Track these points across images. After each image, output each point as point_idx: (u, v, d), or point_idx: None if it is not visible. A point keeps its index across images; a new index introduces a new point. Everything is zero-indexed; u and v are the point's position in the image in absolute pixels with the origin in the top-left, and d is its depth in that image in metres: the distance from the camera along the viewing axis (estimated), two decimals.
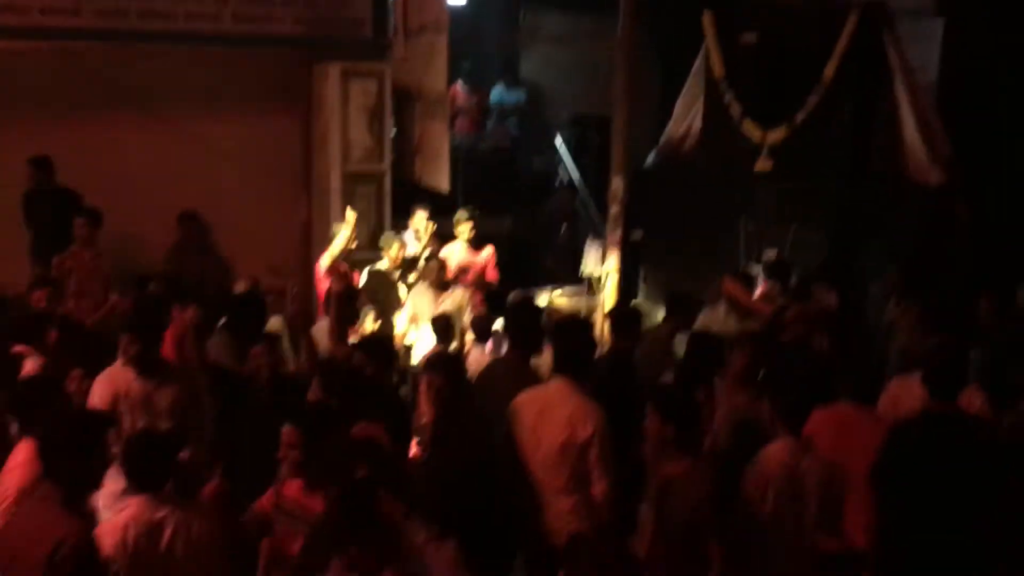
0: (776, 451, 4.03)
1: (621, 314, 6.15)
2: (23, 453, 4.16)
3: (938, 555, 3.96)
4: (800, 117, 7.89)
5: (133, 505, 3.78)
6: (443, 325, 6.66)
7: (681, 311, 6.30)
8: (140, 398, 4.93)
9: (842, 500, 3.99)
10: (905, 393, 4.81)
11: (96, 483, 3.63)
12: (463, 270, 8.45)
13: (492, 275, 8.65)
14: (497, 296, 8.05)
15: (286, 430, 4.00)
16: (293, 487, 3.99)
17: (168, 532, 3.73)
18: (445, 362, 4.67)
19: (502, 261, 8.86)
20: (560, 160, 11.25)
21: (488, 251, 8.64)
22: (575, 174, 10.95)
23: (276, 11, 8.52)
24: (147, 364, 4.95)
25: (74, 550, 3.27)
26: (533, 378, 4.79)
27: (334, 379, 4.68)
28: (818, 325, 5.86)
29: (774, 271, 7.37)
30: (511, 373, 4.69)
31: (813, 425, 4.11)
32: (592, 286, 9.12)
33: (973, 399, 4.67)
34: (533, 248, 10.37)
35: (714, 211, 8.49)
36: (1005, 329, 5.77)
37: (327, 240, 8.73)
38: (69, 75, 8.30)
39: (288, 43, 8.64)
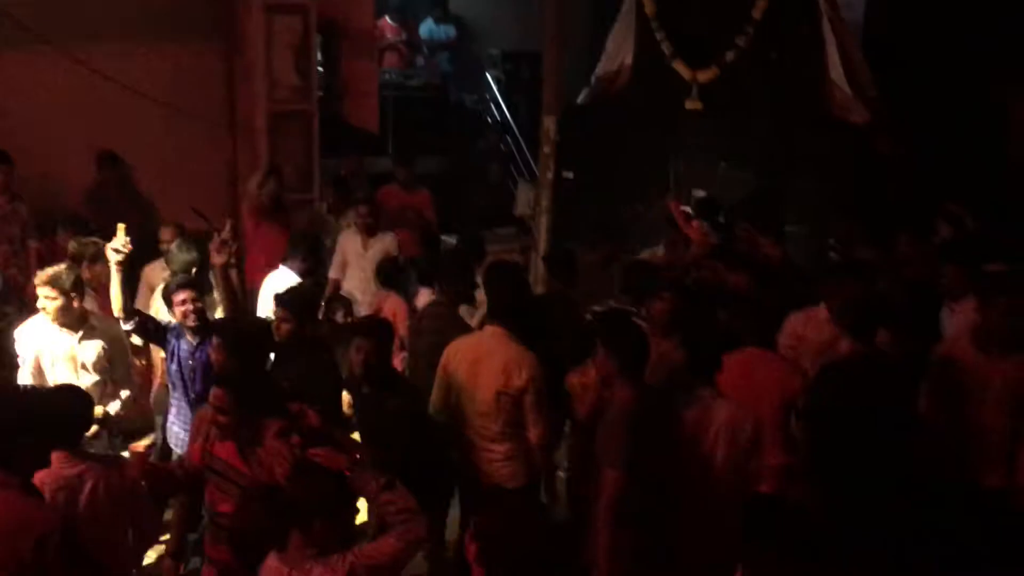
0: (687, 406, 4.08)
1: (556, 257, 6.15)
2: None
3: (866, 489, 4.12)
4: (729, 56, 7.91)
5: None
6: (389, 271, 6.50)
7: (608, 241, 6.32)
8: (63, 353, 4.84)
9: (753, 444, 4.04)
10: (809, 329, 4.95)
11: (46, 462, 3.53)
12: (400, 211, 8.38)
13: (430, 215, 8.59)
14: (434, 238, 8.03)
15: (215, 392, 3.86)
16: (224, 448, 3.89)
17: (87, 487, 3.68)
18: (373, 327, 4.58)
19: (435, 202, 8.81)
20: (492, 97, 11.16)
21: (424, 193, 8.56)
22: (506, 112, 10.88)
23: None
24: (68, 318, 4.83)
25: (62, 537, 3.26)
26: (463, 326, 4.81)
27: (237, 339, 4.40)
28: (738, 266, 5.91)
29: (703, 209, 7.44)
30: (440, 320, 4.68)
31: (723, 372, 4.17)
32: (525, 226, 9.15)
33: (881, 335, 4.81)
34: (464, 188, 10.31)
35: (645, 149, 8.51)
36: (917, 265, 5.92)
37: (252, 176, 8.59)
38: None
39: None
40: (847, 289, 4.81)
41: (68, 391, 3.96)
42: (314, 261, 6.19)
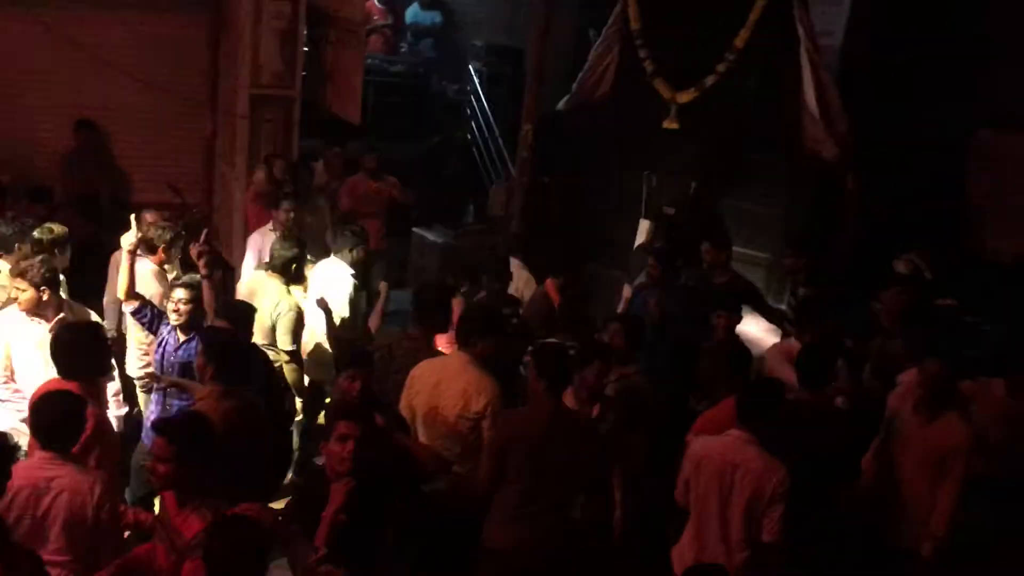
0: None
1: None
2: None
3: None
4: (709, 81, 8.07)
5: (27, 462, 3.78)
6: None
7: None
8: (33, 342, 4.91)
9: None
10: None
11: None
12: (366, 200, 8.48)
13: (404, 197, 8.67)
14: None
15: (156, 441, 3.68)
16: (168, 498, 3.73)
17: (52, 495, 3.69)
18: (368, 357, 4.71)
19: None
20: (472, 89, 11.23)
21: (391, 180, 8.65)
22: (486, 106, 10.96)
23: None
24: (41, 308, 4.92)
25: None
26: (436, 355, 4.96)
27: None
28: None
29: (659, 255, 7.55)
30: (413, 356, 4.83)
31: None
32: (495, 226, 9.29)
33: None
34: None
35: (620, 162, 8.67)
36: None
37: (230, 162, 8.64)
38: None
39: None
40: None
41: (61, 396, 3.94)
42: (365, 251, 6.37)
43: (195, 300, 5.21)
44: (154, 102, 8.80)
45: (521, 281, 6.68)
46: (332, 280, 6.17)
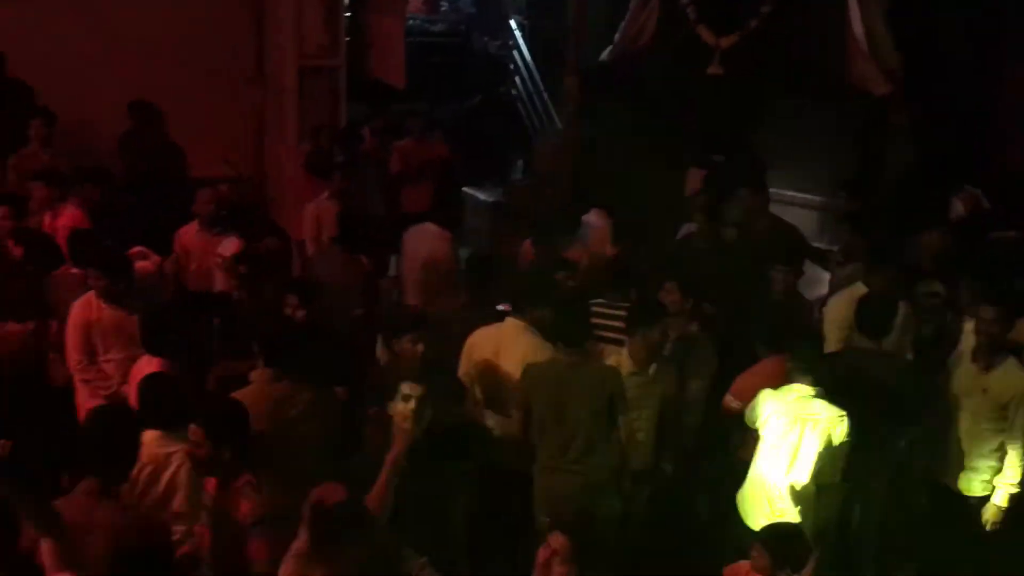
0: None
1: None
2: None
3: None
4: (753, 23, 7.96)
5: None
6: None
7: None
8: (111, 327, 5.15)
9: None
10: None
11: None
12: (415, 164, 8.57)
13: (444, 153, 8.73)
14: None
15: (190, 428, 3.81)
16: (211, 483, 3.90)
17: (171, 469, 3.96)
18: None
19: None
20: (515, 44, 11.19)
21: (438, 144, 8.71)
22: (528, 60, 10.93)
23: None
24: (115, 296, 5.13)
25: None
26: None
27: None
28: None
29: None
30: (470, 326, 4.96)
31: None
32: (544, 181, 9.31)
33: None
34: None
35: (666, 111, 8.62)
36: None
37: (280, 132, 8.79)
38: None
39: None
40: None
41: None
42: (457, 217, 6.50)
43: None
44: (204, 79, 8.92)
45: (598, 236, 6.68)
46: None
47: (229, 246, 6.11)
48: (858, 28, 7.76)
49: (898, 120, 7.85)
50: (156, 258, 6.18)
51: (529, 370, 4.50)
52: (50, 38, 8.45)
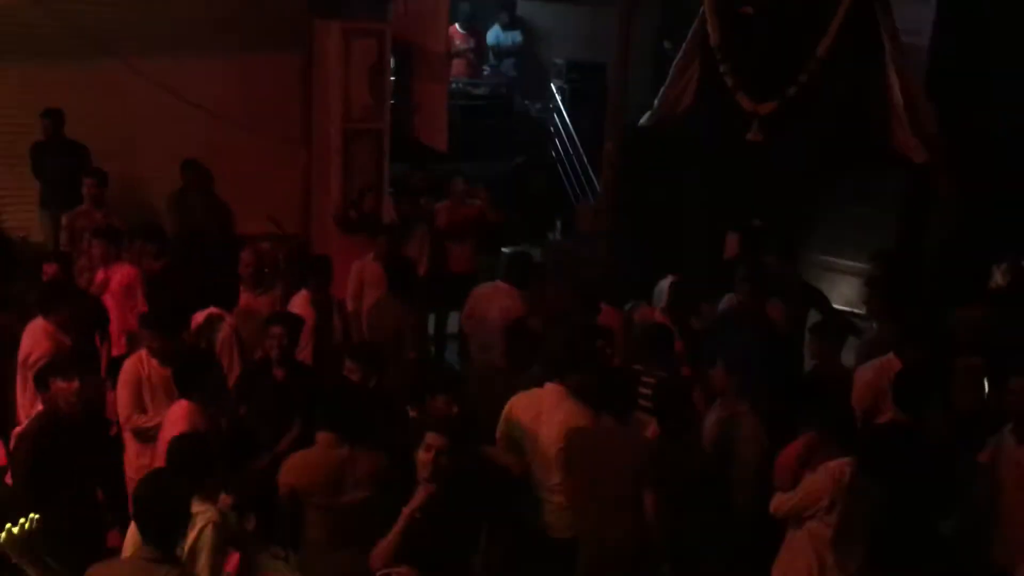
0: None
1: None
2: None
3: None
4: (792, 91, 8.03)
5: None
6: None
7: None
8: (161, 383, 5.29)
9: None
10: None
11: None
12: (458, 223, 8.70)
13: (492, 216, 8.86)
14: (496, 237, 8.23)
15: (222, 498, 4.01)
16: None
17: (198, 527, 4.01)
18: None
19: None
20: (555, 107, 11.39)
21: (477, 205, 8.84)
22: (568, 123, 11.11)
23: None
24: (167, 354, 5.28)
25: None
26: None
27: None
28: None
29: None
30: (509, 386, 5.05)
31: None
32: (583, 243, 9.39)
33: None
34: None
35: (707, 175, 8.71)
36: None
37: (325, 194, 8.99)
38: (71, 25, 8.35)
39: None
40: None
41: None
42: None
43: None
44: (252, 139, 9.20)
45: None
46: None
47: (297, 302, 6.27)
48: (897, 97, 7.81)
49: (940, 188, 7.86)
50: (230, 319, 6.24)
51: (571, 435, 4.53)
52: (105, 99, 8.79)
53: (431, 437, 4.10)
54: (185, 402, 4.82)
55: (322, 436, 4.43)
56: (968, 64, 9.14)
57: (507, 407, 4.87)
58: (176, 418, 4.74)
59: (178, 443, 4.24)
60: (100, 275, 6.86)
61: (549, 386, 4.86)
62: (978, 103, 8.97)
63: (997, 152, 8.45)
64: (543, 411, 4.76)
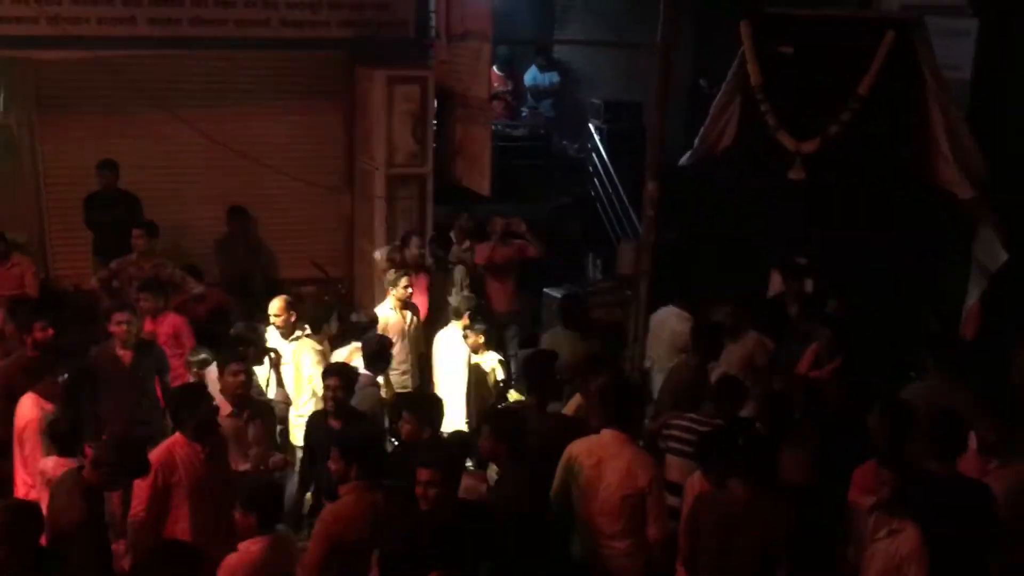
0: None
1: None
2: None
3: None
4: (834, 130, 8.05)
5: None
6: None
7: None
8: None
9: None
10: None
11: None
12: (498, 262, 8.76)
13: (533, 252, 8.92)
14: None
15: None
16: None
17: None
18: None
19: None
20: (593, 147, 11.47)
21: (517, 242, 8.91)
22: (608, 163, 11.17)
23: (322, 15, 8.75)
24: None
25: None
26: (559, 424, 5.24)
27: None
28: None
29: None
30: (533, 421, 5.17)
31: None
32: (624, 284, 9.43)
33: None
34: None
35: (749, 214, 8.72)
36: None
37: (369, 238, 9.10)
38: (125, 79, 8.58)
39: (333, 45, 8.89)
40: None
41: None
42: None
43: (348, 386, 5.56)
44: (297, 186, 9.37)
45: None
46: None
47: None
48: (939, 131, 7.81)
49: (994, 222, 7.82)
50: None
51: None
52: (154, 149, 8.99)
53: (420, 472, 4.24)
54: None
55: (351, 486, 4.56)
56: (1010, 97, 9.14)
57: (567, 454, 4.88)
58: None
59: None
60: (148, 326, 6.99)
61: (606, 432, 4.87)
62: (1021, 136, 8.96)
63: None
64: (604, 458, 4.77)
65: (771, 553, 4.32)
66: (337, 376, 5.55)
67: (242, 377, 5.62)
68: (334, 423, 5.50)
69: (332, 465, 4.60)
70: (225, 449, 5.27)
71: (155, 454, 4.91)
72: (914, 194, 7.94)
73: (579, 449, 4.86)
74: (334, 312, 7.82)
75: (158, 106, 8.68)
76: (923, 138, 7.89)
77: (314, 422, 5.71)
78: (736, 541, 4.38)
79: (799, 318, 7.45)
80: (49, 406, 5.59)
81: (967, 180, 7.74)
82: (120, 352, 6.36)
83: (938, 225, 7.94)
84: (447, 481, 4.36)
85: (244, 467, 5.50)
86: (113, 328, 6.40)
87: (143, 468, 4.67)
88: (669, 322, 7.36)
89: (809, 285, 7.74)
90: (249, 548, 4.28)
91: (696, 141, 9.35)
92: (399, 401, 5.68)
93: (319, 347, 6.90)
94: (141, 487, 4.83)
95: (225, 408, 5.53)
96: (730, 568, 4.41)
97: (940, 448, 4.61)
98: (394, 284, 7.44)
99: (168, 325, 7.06)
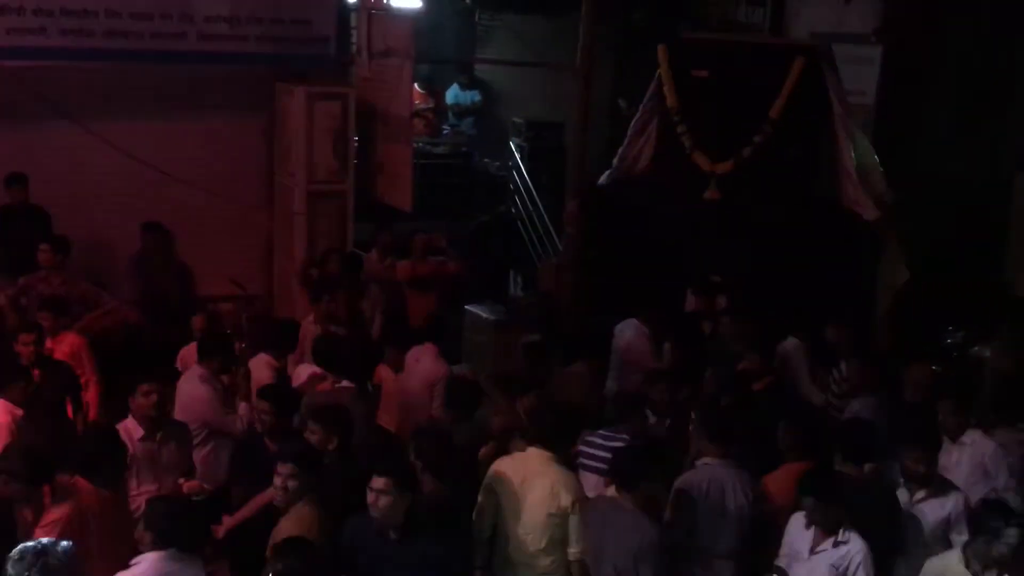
0: None
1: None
2: None
3: None
4: (747, 152, 8.31)
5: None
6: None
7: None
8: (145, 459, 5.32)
9: None
10: None
11: None
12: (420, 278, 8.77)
13: (453, 268, 8.94)
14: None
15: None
16: None
17: None
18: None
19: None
20: (514, 165, 11.58)
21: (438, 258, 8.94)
22: (528, 181, 11.30)
23: (241, 30, 8.65)
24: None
25: None
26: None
27: None
28: None
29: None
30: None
31: None
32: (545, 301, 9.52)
33: None
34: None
35: (665, 233, 8.88)
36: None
37: (288, 255, 9.02)
38: (35, 91, 8.33)
39: (253, 61, 8.79)
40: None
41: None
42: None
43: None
44: (215, 201, 9.19)
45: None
46: None
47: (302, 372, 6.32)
48: (845, 153, 8.13)
49: (890, 245, 8.16)
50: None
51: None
52: (69, 163, 8.75)
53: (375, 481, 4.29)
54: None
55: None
56: (911, 121, 9.58)
57: (491, 474, 4.92)
58: None
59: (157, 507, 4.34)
60: (47, 344, 6.80)
61: (532, 451, 4.93)
62: (922, 158, 9.39)
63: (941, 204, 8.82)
64: (527, 477, 4.83)
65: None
66: (268, 400, 5.50)
67: (155, 397, 5.46)
68: (269, 444, 5.40)
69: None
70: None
71: (59, 512, 4.60)
72: (825, 214, 8.23)
73: (503, 468, 4.91)
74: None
75: (71, 119, 8.45)
76: (831, 160, 8.23)
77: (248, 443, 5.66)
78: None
79: (712, 335, 7.65)
80: (19, 412, 5.59)
81: (871, 201, 8.08)
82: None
83: (849, 241, 8.23)
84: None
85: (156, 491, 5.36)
86: (19, 348, 6.22)
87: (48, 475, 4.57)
88: (626, 334, 7.40)
89: (723, 302, 7.93)
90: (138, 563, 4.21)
91: (615, 161, 9.54)
92: (306, 412, 5.58)
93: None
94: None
95: (136, 432, 5.39)
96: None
97: (853, 452, 4.95)
98: (316, 300, 7.38)
99: (67, 344, 6.88)
